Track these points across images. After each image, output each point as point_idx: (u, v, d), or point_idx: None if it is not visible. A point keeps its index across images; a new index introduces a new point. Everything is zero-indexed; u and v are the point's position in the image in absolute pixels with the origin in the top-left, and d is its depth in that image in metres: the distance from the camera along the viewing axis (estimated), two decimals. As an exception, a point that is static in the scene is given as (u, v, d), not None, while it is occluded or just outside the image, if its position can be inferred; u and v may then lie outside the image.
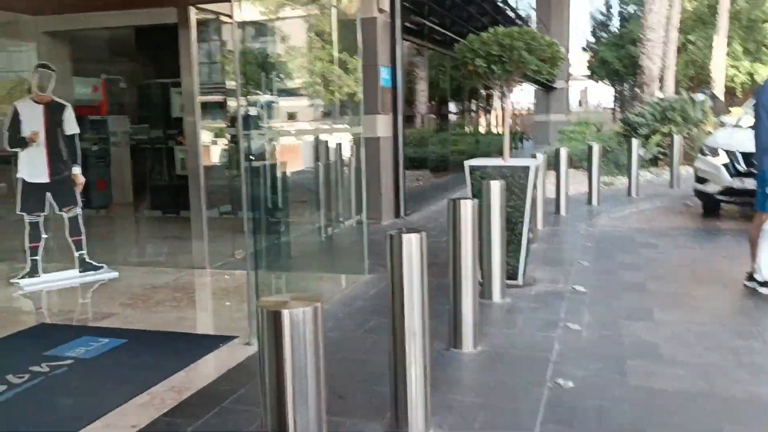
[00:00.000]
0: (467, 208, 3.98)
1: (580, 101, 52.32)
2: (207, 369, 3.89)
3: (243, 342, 4.22)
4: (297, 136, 8.71)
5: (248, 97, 8.02)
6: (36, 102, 5.89)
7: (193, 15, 6.52)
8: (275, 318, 2.09)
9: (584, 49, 43.99)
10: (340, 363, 3.78)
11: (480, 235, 4.50)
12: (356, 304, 5.04)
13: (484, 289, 4.92)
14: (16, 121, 5.80)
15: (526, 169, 5.34)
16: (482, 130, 18.54)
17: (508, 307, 4.89)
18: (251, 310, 4.25)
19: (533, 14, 29.94)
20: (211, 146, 8.89)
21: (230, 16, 5.23)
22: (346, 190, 7.92)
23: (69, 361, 3.96)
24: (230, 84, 9.69)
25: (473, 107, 18.05)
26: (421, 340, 2.96)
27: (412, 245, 2.94)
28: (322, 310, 2.18)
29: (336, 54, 8.27)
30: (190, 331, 4.63)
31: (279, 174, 7.11)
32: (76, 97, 9.58)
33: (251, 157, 5.85)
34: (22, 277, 5.89)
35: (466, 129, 17.00)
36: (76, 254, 6.13)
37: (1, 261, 6.54)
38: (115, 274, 6.20)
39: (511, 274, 5.32)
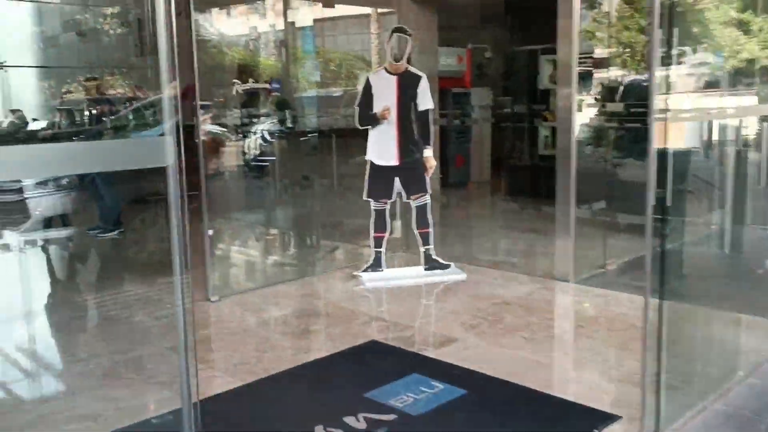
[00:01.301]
0: None
1: None
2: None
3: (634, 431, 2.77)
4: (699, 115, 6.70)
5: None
6: (389, 72, 5.14)
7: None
8: None
9: None
10: None
11: None
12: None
13: None
14: (368, 95, 5.13)
15: None
16: None
17: None
18: (646, 378, 2.75)
19: None
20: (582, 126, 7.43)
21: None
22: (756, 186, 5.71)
23: (391, 417, 2.99)
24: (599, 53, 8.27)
25: None
26: None
27: None
28: None
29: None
30: (546, 386, 3.32)
31: (676, 160, 5.31)
32: (441, 68, 8.97)
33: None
34: (365, 270, 5.27)
35: None
36: (422, 249, 5.31)
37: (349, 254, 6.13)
38: (462, 276, 5.23)
39: None
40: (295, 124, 9.95)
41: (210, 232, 8.36)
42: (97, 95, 7.32)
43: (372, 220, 5.23)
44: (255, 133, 10.00)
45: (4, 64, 17.87)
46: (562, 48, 5.21)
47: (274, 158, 9.74)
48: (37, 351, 4.18)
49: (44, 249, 6.88)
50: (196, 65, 4.63)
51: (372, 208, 5.23)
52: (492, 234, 7.29)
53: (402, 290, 5.01)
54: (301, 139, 9.57)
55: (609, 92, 8.05)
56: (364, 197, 5.20)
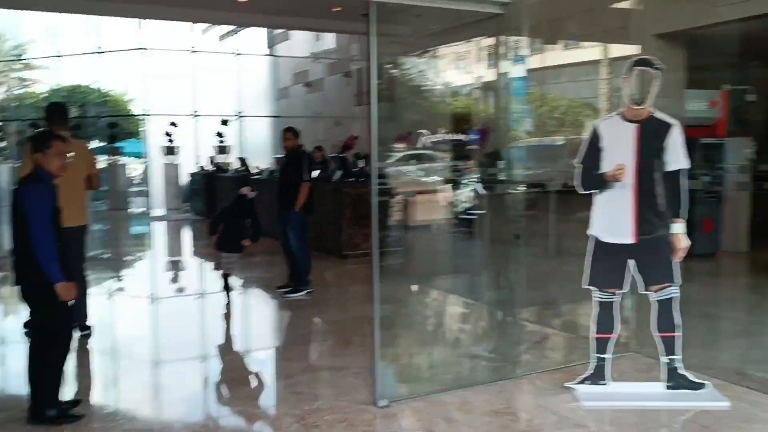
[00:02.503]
0: None
1: None
2: None
3: None
4: None
5: None
6: (626, 119, 3.86)
7: None
8: None
9: None
10: None
11: None
12: None
13: None
14: (594, 149, 3.88)
15: None
16: None
17: None
18: None
19: None
20: None
21: None
22: None
23: None
24: None
25: None
26: None
27: None
28: None
29: None
30: None
31: None
32: (687, 114, 7.36)
33: None
34: (582, 381, 3.96)
35: None
36: (664, 359, 3.86)
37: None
38: (724, 404, 3.69)
39: None
40: (508, 176, 8.89)
41: (414, 287, 7.59)
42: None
43: (594, 315, 3.92)
44: (464, 184, 9.12)
45: (241, 114, 19.24)
46: None
47: (482, 212, 8.73)
48: None
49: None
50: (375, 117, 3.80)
51: (595, 298, 3.92)
52: (762, 333, 5.47)
53: (635, 417, 3.61)
54: (514, 192, 8.46)
55: None
56: (585, 284, 3.92)
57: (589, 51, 9.80)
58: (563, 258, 7.14)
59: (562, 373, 4.21)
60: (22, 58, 21.98)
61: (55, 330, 3.58)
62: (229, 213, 6.53)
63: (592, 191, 3.90)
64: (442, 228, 9.40)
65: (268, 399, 4.12)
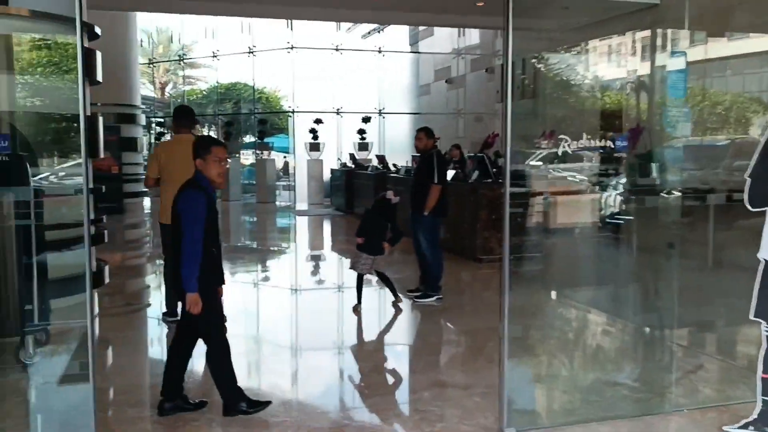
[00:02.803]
0: None
1: None
2: None
3: None
4: None
5: None
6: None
7: None
8: None
9: None
10: None
11: None
12: None
13: None
14: (769, 159, 3.34)
15: None
16: None
17: None
18: None
19: None
20: None
21: None
22: None
23: None
24: None
25: None
26: None
27: None
28: None
29: None
30: None
31: None
32: None
33: None
34: (745, 426, 3.44)
35: None
36: None
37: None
38: None
39: None
40: (662, 180, 8.16)
41: (553, 294, 7.16)
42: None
43: (763, 351, 3.38)
44: (612, 187, 8.49)
45: (382, 111, 19.41)
46: None
47: (631, 217, 8.08)
48: None
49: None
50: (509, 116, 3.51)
51: (764, 333, 3.39)
52: None
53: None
54: (669, 196, 7.73)
55: None
56: (752, 316, 3.39)
57: (759, 41, 8.79)
58: (724, 272, 6.41)
59: (720, 412, 3.71)
60: (185, 57, 23.61)
61: (208, 331, 3.64)
62: (371, 214, 6.46)
63: (765, 209, 3.36)
64: (586, 233, 8.83)
65: (389, 416, 3.97)
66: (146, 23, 22.19)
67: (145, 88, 25.91)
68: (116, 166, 15.58)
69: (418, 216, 6.49)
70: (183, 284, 3.48)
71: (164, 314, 5.89)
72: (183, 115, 5.60)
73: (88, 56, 5.83)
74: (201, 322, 3.60)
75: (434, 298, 6.55)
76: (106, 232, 6.19)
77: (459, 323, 6.15)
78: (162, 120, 23.70)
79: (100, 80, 5.97)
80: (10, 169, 4.14)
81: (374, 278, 6.73)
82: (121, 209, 15.17)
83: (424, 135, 6.69)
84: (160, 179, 5.51)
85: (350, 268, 6.53)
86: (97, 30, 5.91)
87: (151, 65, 24.95)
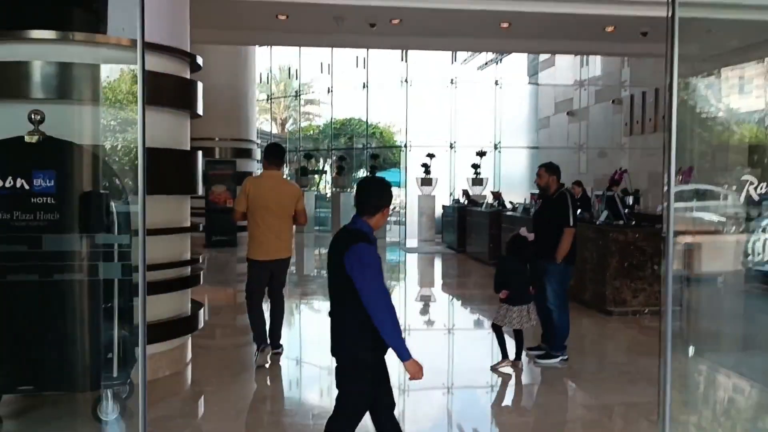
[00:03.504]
0: None
1: None
2: None
3: None
4: None
5: None
6: None
7: None
8: None
9: None
10: None
11: None
12: None
13: None
14: None
15: None
16: None
17: None
18: None
19: None
20: None
21: None
22: None
23: None
24: None
25: None
26: None
27: None
28: None
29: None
30: None
31: None
32: None
33: None
34: None
35: None
36: None
37: None
38: None
39: None
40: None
41: (691, 350, 6.11)
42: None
43: None
44: (762, 229, 7.29)
45: (499, 145, 18.64)
46: None
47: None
48: None
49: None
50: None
51: None
52: None
53: None
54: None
55: None
56: None
57: None
58: None
59: None
60: (301, 93, 24.01)
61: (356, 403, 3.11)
62: (508, 261, 5.72)
63: None
64: (733, 283, 7.63)
65: None
66: (266, 60, 22.79)
67: (265, 124, 26.63)
68: (231, 200, 15.76)
69: (545, 264, 5.68)
70: (397, 355, 2.96)
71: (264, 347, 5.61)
72: (273, 153, 5.72)
73: (188, 88, 5.57)
74: (349, 388, 3.07)
75: (558, 359, 5.68)
76: (202, 273, 5.86)
77: (590, 394, 5.23)
78: (278, 155, 24.07)
79: (201, 113, 5.70)
80: (90, 206, 3.79)
81: (487, 329, 5.96)
82: (234, 242, 15.25)
83: (544, 171, 5.90)
84: (248, 213, 5.55)
85: (495, 323, 5.70)
86: (199, 61, 5.64)
87: (269, 101, 25.58)
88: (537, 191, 11.07)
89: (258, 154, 18.39)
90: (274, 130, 28.69)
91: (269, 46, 22.16)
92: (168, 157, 5.25)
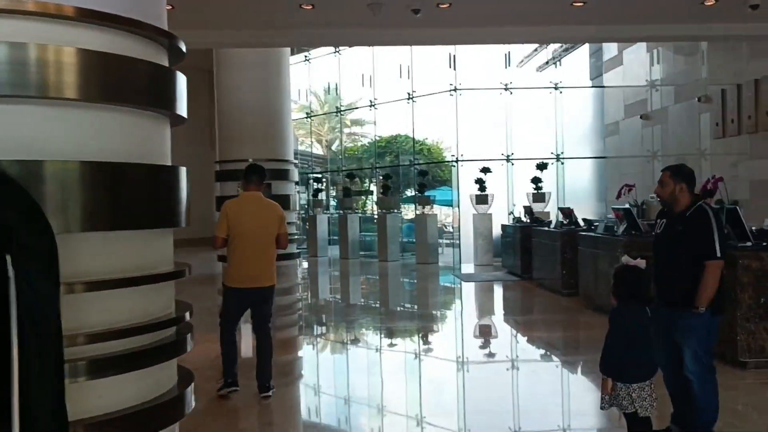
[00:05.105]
0: None
1: None
2: None
3: None
4: None
5: None
6: None
7: None
8: None
9: None
10: None
11: None
12: None
13: None
14: None
15: None
16: None
17: None
18: None
19: None
20: None
21: None
22: None
23: None
24: None
25: None
26: None
27: None
28: None
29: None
30: None
31: None
32: None
33: None
34: None
35: None
36: None
37: None
38: None
39: None
40: None
41: None
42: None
43: None
44: None
45: (561, 156, 16.77)
46: None
47: None
48: None
49: None
50: None
51: None
52: None
53: None
54: None
55: None
56: None
57: None
58: None
59: None
60: (342, 110, 22.65)
61: None
62: (624, 312, 3.81)
63: None
64: None
65: None
66: (304, 76, 21.48)
67: (305, 144, 25.36)
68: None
69: (677, 315, 3.90)
70: None
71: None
72: (254, 172, 5.44)
73: (165, 80, 4.00)
74: None
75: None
76: (189, 336, 4.26)
77: None
78: (320, 176, 22.73)
79: (185, 116, 4.13)
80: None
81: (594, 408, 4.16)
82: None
83: (669, 177, 4.11)
84: (228, 238, 5.20)
85: (608, 406, 3.82)
86: (182, 45, 4.07)
87: (309, 119, 24.25)
88: (620, 207, 9.26)
89: (296, 174, 16.97)
90: (317, 150, 27.39)
91: (305, 60, 20.87)
92: (134, 176, 3.65)
